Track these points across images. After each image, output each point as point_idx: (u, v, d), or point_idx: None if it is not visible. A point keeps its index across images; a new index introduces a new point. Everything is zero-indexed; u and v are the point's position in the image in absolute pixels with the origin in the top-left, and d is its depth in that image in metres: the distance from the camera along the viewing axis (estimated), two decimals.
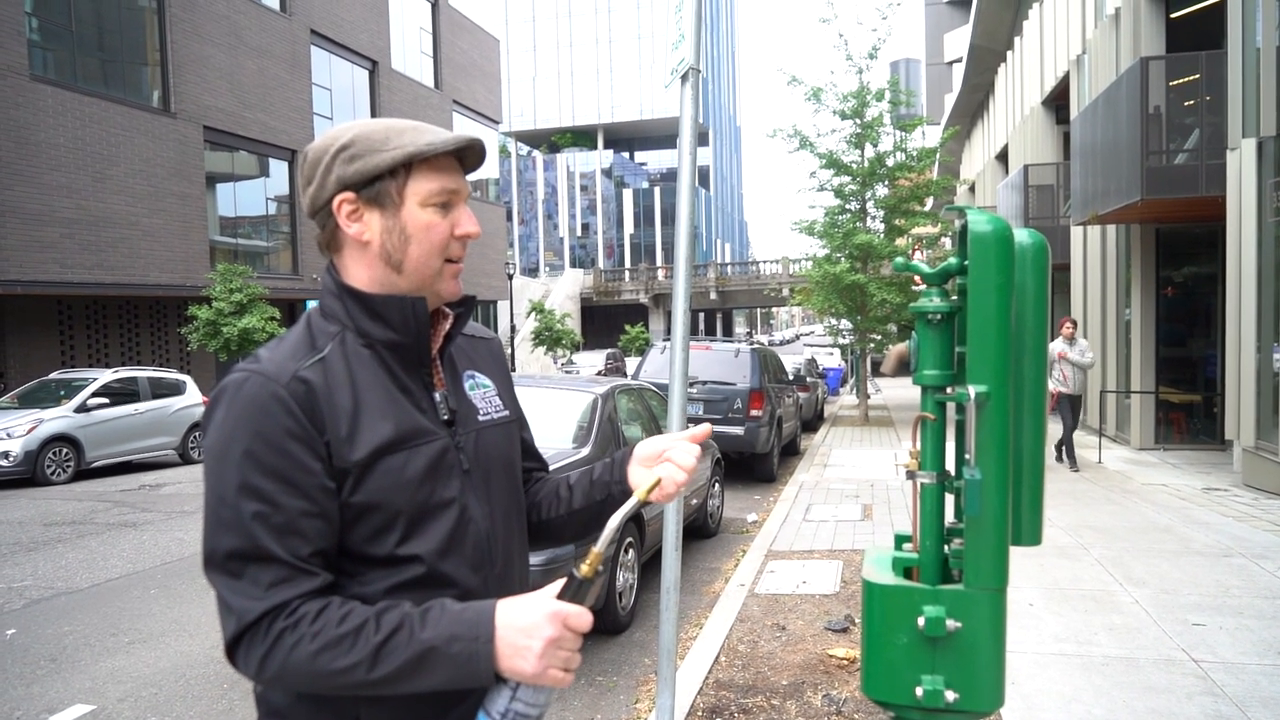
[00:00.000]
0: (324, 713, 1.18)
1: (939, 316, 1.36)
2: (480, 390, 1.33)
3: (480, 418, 1.30)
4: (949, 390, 1.35)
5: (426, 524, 1.18)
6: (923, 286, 1.40)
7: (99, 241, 16.73)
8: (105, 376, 12.53)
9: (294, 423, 1.11)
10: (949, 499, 1.42)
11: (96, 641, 5.08)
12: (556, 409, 5.87)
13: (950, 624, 1.27)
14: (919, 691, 1.28)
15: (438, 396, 1.25)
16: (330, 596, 1.11)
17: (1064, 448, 10.73)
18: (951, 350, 1.38)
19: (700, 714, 3.91)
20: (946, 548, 1.38)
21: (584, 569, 1.10)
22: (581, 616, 1.08)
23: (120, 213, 17.19)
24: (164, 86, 18.52)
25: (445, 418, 1.25)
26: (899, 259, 1.46)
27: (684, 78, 3.00)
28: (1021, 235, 1.39)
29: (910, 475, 1.38)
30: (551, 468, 4.86)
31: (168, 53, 18.38)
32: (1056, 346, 10.41)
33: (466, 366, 1.34)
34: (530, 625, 1.06)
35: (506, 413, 1.37)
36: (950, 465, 1.42)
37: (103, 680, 4.50)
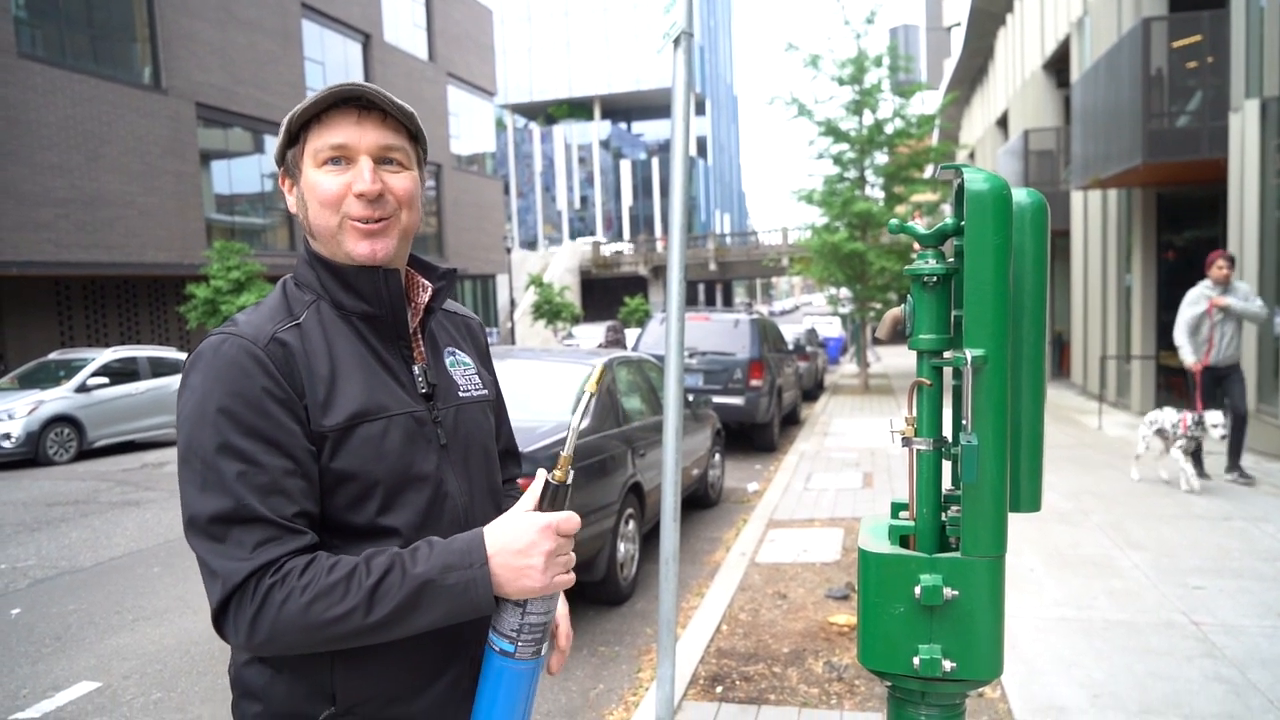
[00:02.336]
0: (300, 687, 1.16)
1: (935, 279, 1.32)
2: (461, 368, 1.32)
3: (460, 394, 1.29)
4: (945, 355, 1.32)
5: (404, 496, 1.16)
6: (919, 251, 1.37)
7: (94, 221, 16.64)
8: (105, 356, 12.51)
9: (273, 383, 1.10)
10: (946, 466, 1.40)
11: (101, 619, 5.11)
12: (555, 381, 5.86)
13: (947, 592, 1.25)
14: (916, 661, 1.26)
15: (416, 370, 1.24)
16: (316, 553, 1.09)
17: (1232, 449, 7.48)
18: (948, 314, 1.35)
19: (702, 682, 3.93)
20: (944, 515, 1.36)
21: (557, 474, 1.11)
22: (569, 521, 1.10)
23: (115, 192, 17.08)
24: (154, 63, 18.32)
25: (424, 391, 1.23)
26: (894, 221, 1.43)
27: (676, 42, 2.94)
28: (1020, 195, 1.36)
29: (906, 442, 1.36)
30: (552, 439, 4.77)
31: (157, 28, 18.16)
32: (1201, 294, 7.26)
33: (448, 343, 1.33)
34: (526, 545, 1.07)
35: (485, 392, 1.35)
36: (948, 431, 1.39)
37: (108, 657, 4.53)
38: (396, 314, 1.21)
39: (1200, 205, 11.99)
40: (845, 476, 8.44)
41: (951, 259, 1.39)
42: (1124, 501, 6.98)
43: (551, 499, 1.12)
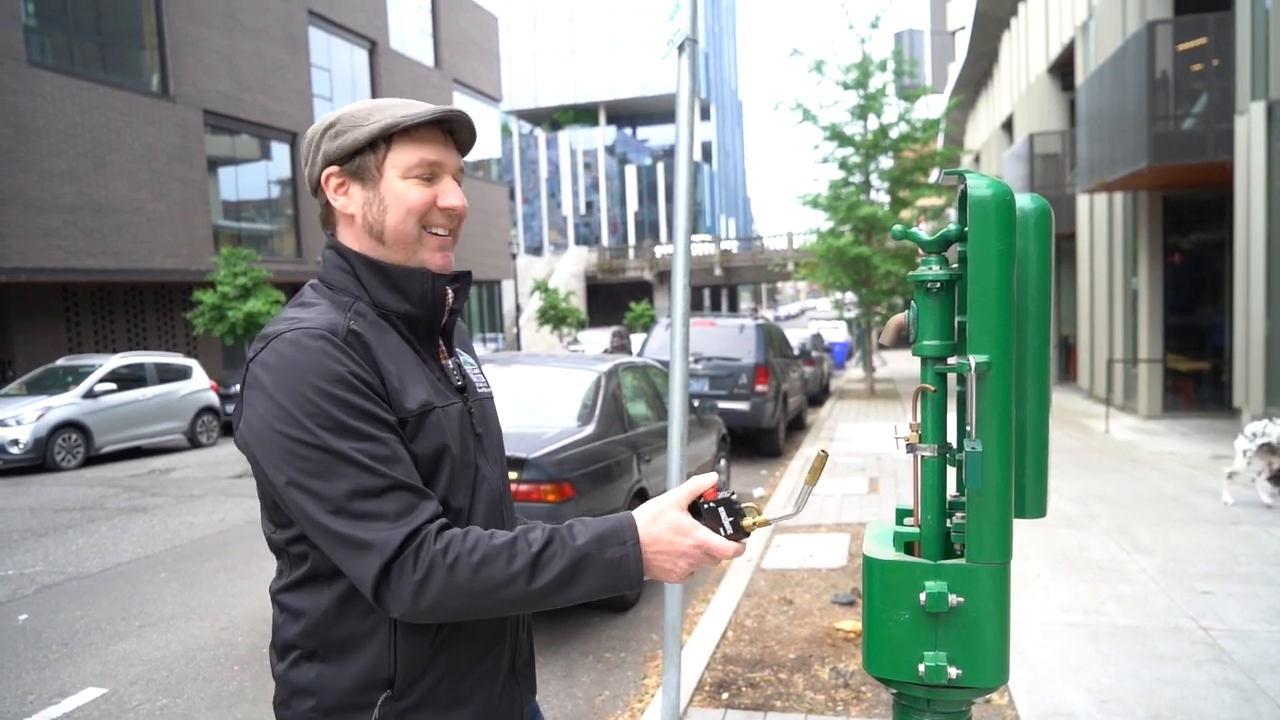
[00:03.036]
0: (355, 677, 1.18)
1: (938, 285, 1.31)
2: (470, 367, 1.39)
3: (479, 390, 1.37)
4: (950, 361, 1.32)
5: (460, 480, 1.23)
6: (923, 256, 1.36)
7: (102, 228, 16.70)
8: (112, 362, 12.57)
9: (361, 369, 1.14)
10: (951, 472, 1.40)
11: (108, 625, 5.12)
12: (560, 387, 5.86)
13: (953, 599, 1.24)
14: (921, 668, 1.26)
15: (450, 365, 1.32)
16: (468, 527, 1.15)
17: None
18: (952, 320, 1.35)
19: (708, 689, 3.92)
20: (949, 521, 1.35)
21: (746, 524, 1.18)
22: (723, 550, 1.15)
23: (123, 198, 17.15)
24: (162, 70, 18.40)
25: (458, 384, 1.31)
26: (897, 226, 1.43)
27: (680, 48, 2.95)
28: (1024, 200, 1.35)
29: (911, 448, 1.36)
30: (556, 445, 4.78)
31: (165, 36, 18.24)
32: None
33: (458, 344, 1.40)
34: (678, 551, 1.14)
35: (490, 390, 1.43)
36: (952, 438, 1.39)
37: (114, 663, 4.54)
38: (435, 315, 1.27)
39: (1207, 208, 11.96)
40: (851, 482, 8.42)
41: (955, 265, 1.39)
42: (1131, 506, 6.95)
43: (715, 526, 1.17)
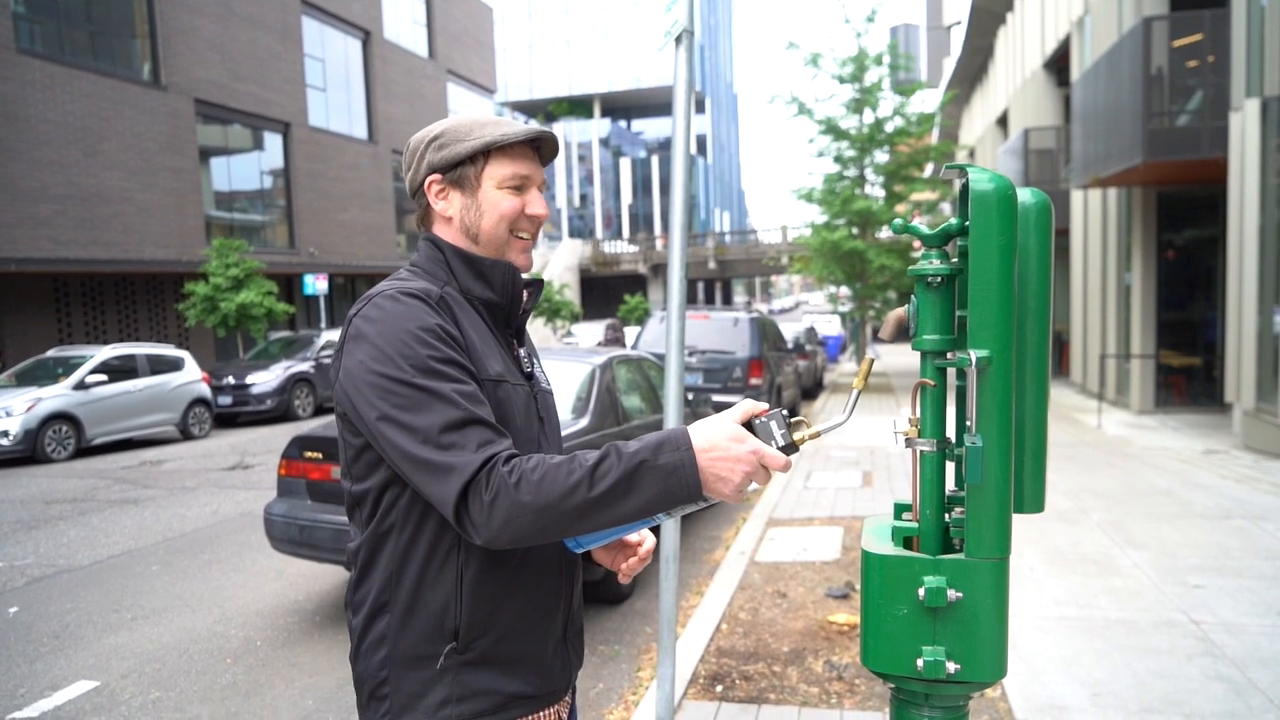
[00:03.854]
0: (425, 628, 1.29)
1: (939, 279, 1.32)
2: (536, 365, 1.50)
3: (543, 384, 1.50)
4: (949, 355, 1.31)
5: (522, 451, 1.30)
6: (922, 251, 1.36)
7: (93, 218, 16.60)
8: (103, 353, 12.47)
9: (451, 325, 1.28)
10: (950, 466, 1.39)
11: (99, 618, 5.10)
12: (555, 379, 5.82)
13: (951, 594, 1.26)
14: (920, 663, 1.26)
15: (521, 353, 1.45)
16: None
17: None
18: (952, 314, 1.34)
19: (702, 681, 3.92)
20: (947, 516, 1.35)
21: (796, 437, 1.22)
22: (776, 459, 1.19)
23: (113, 188, 17.04)
24: (153, 59, 18.27)
25: (527, 371, 1.44)
26: (897, 220, 1.42)
27: (678, 40, 2.93)
28: (1024, 194, 1.34)
29: (909, 443, 1.35)
30: None
31: (156, 24, 18.11)
32: None
33: (526, 346, 1.51)
34: (733, 457, 1.17)
35: (551, 389, 1.56)
36: (950, 432, 1.38)
37: (106, 657, 4.52)
38: (513, 304, 1.42)
39: (1200, 204, 11.99)
40: (845, 475, 8.43)
41: (955, 259, 1.38)
42: (1124, 500, 6.97)
43: (767, 439, 1.20)
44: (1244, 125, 9.09)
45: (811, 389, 17.27)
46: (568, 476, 1.15)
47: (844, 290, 18.52)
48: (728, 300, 62.85)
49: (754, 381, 10.58)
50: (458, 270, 1.38)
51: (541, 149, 1.43)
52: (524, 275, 1.46)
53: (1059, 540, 5.85)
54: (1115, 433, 10.62)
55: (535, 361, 1.50)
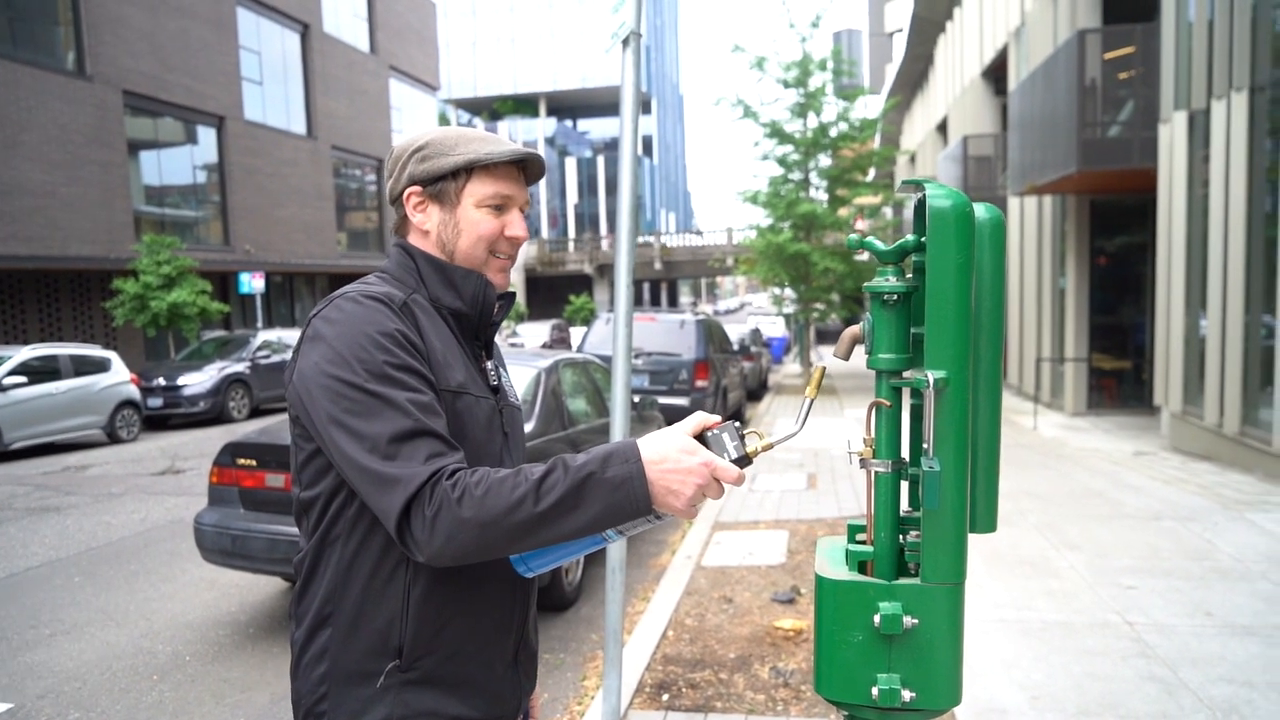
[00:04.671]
0: (367, 644, 1.25)
1: (895, 297, 1.29)
2: (505, 379, 1.47)
3: (510, 398, 1.46)
4: (905, 375, 1.29)
5: (480, 466, 1.25)
6: (866, 257, 1.33)
7: (12, 211, 15.81)
8: (22, 354, 11.85)
9: (411, 332, 1.24)
10: (904, 486, 1.36)
11: (14, 635, 4.83)
12: None
13: (907, 621, 1.23)
14: (875, 691, 1.23)
15: (489, 366, 1.41)
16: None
17: None
18: (908, 332, 1.32)
19: (649, 690, 3.87)
20: (902, 539, 1.32)
21: (750, 449, 1.19)
22: (729, 472, 1.16)
23: (34, 181, 16.25)
24: (78, 48, 17.52)
25: (494, 385, 1.40)
26: (853, 236, 1.40)
27: (625, 42, 2.88)
28: (978, 210, 1.31)
29: (864, 464, 1.32)
30: None
31: (81, 12, 17.36)
32: None
33: (496, 359, 1.48)
34: (684, 469, 1.14)
35: (519, 403, 1.52)
36: (906, 451, 1.35)
37: (20, 676, 4.28)
38: (484, 316, 1.38)
39: (1131, 213, 12.38)
40: (790, 478, 8.48)
41: (910, 276, 1.35)
42: (1060, 502, 7.14)
43: (721, 452, 1.17)
44: (1172, 137, 9.40)
45: (756, 390, 17.38)
46: (512, 491, 1.11)
47: (789, 292, 18.69)
48: (673, 302, 63.08)
49: (700, 384, 10.59)
50: (428, 278, 1.36)
51: (527, 169, 1.41)
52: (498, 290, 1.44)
53: (998, 542, 5.95)
54: (1050, 434, 10.90)
55: (503, 375, 1.47)
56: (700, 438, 1.18)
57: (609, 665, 3.19)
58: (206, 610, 5.22)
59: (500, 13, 70.10)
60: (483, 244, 1.36)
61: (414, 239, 1.39)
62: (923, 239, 1.24)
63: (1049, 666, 3.94)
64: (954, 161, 17.05)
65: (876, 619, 1.22)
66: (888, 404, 1.29)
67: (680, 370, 10.61)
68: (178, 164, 21.00)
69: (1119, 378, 12.98)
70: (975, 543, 5.90)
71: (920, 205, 1.25)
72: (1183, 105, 9.21)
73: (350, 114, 25.97)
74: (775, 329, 28.88)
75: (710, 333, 11.53)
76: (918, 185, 1.28)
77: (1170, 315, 9.57)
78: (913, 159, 26.96)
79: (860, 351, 1.33)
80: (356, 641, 1.25)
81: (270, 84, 23.23)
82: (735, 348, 14.32)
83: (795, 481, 8.31)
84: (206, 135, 21.23)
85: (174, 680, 4.23)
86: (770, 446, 1.22)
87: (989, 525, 1.37)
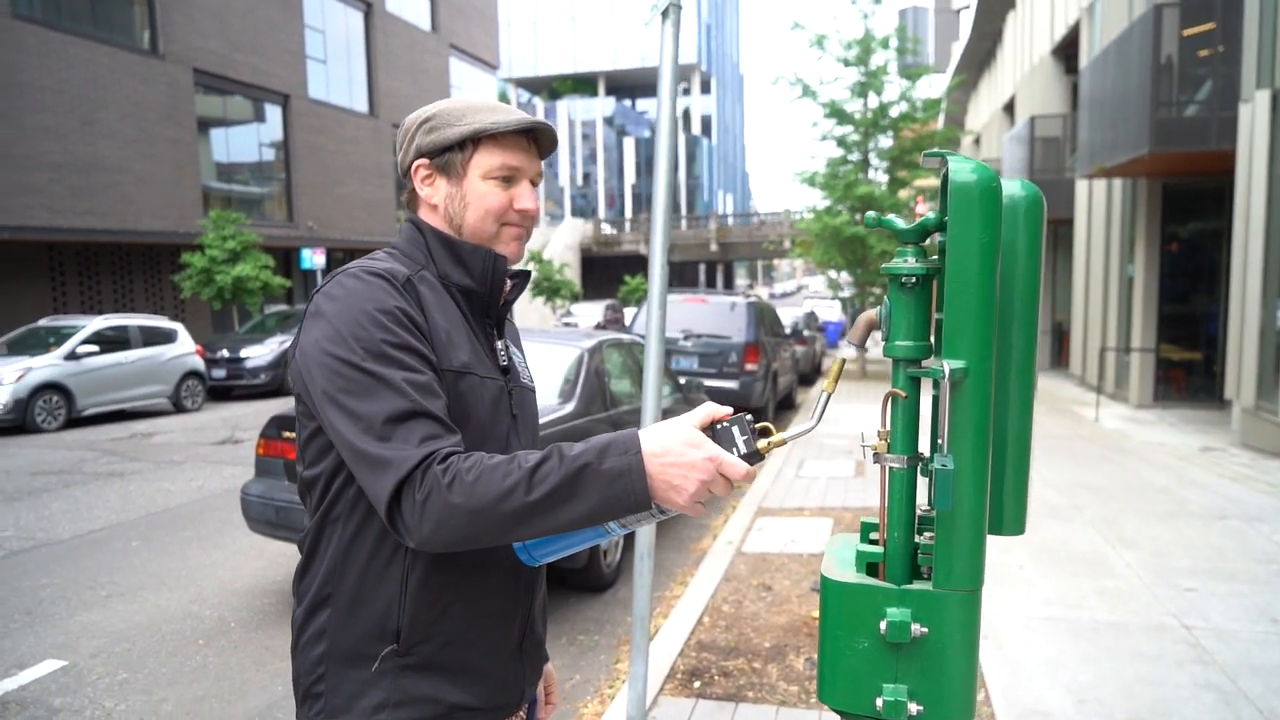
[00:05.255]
0: (365, 626, 1.23)
1: (914, 280, 1.20)
2: (517, 358, 1.44)
3: (523, 379, 1.42)
4: (925, 364, 1.21)
5: (484, 449, 1.24)
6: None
7: (89, 186, 16.42)
8: (95, 324, 12.34)
9: (413, 309, 1.21)
10: (923, 483, 1.28)
11: (73, 595, 5.02)
12: (542, 362, 5.72)
13: (916, 629, 1.15)
14: (879, 702, 1.16)
15: (499, 345, 1.38)
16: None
17: None
18: (928, 317, 1.23)
19: (680, 676, 3.84)
20: (918, 538, 1.25)
21: (760, 445, 1.13)
22: (735, 467, 1.10)
23: (110, 157, 16.85)
24: (152, 27, 18.01)
25: (503, 365, 1.37)
26: (870, 214, 1.32)
27: (664, 14, 2.80)
28: (1013, 187, 1.21)
29: (877, 458, 1.24)
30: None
31: None
32: None
33: (509, 336, 1.46)
34: (686, 463, 1.09)
35: (533, 385, 1.48)
36: (925, 445, 1.27)
37: (76, 635, 4.44)
38: (493, 293, 1.34)
39: (1206, 197, 11.82)
40: (837, 464, 8.34)
41: (935, 257, 1.26)
42: (1118, 497, 6.88)
43: (729, 443, 1.12)
44: (1253, 117, 8.92)
45: (809, 374, 17.16)
46: (504, 479, 1.07)
47: (845, 276, 18.37)
48: (729, 284, 62.58)
49: (749, 367, 10.48)
50: (437, 254, 1.32)
51: (538, 140, 1.36)
52: (513, 265, 1.39)
53: (1050, 536, 5.77)
54: (1112, 426, 10.52)
55: (517, 355, 1.44)
56: (710, 430, 1.13)
57: (635, 653, 3.15)
58: (253, 578, 5.35)
59: None
60: (490, 217, 1.32)
61: (423, 213, 1.36)
62: (945, 216, 1.15)
63: (1099, 669, 3.80)
64: (1020, 143, 16.49)
65: (883, 625, 1.15)
66: (904, 395, 1.20)
67: (730, 353, 10.50)
68: (244, 141, 21.51)
69: (1188, 369, 12.45)
70: (1026, 536, 5.71)
71: (944, 180, 1.16)
72: (1266, 84, 8.73)
73: (411, 92, 26.23)
74: (831, 313, 28.48)
75: (761, 315, 11.38)
76: (942, 158, 1.18)
77: (1245, 305, 9.12)
78: (977, 140, 26.19)
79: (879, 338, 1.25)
80: (354, 624, 1.23)
81: (334, 63, 23.59)
82: (788, 331, 14.13)
83: (842, 468, 8.17)
84: (273, 113, 21.68)
85: (218, 645, 4.34)
86: (783, 442, 1.16)
87: (1016, 527, 1.28)
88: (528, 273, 1.43)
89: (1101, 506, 6.57)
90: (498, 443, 1.29)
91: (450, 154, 1.31)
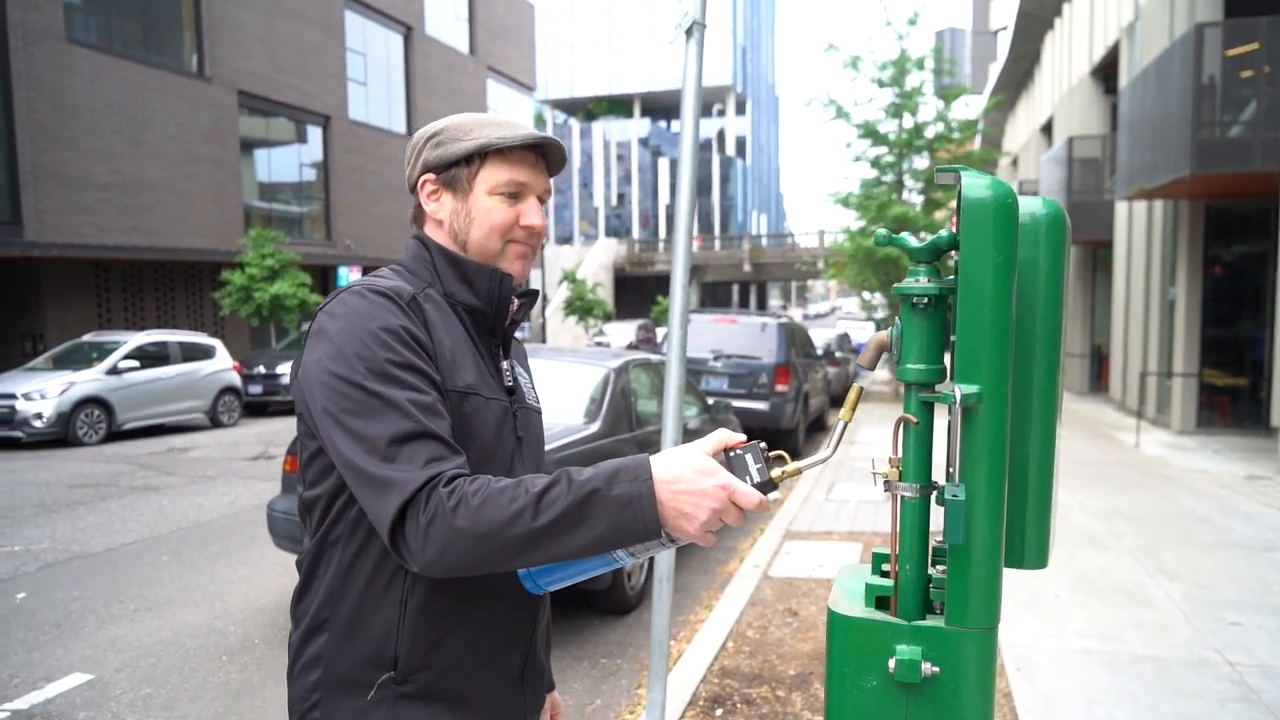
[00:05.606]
0: (362, 652, 1.20)
1: (926, 300, 1.16)
2: (523, 379, 1.42)
3: (528, 400, 1.40)
4: (938, 389, 1.17)
5: (488, 471, 1.21)
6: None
7: (135, 205, 16.83)
8: (136, 339, 12.62)
9: (418, 330, 1.19)
10: (938, 513, 1.23)
11: (102, 608, 5.08)
12: (567, 382, 5.72)
13: (926, 668, 1.10)
14: None
15: (505, 365, 1.36)
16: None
17: None
18: (942, 340, 1.20)
19: (702, 703, 3.78)
20: (933, 569, 1.20)
21: (775, 473, 1.10)
22: (748, 496, 1.07)
23: (156, 177, 17.27)
24: (199, 51, 18.49)
25: (509, 385, 1.35)
26: (880, 231, 1.29)
27: (688, 32, 2.79)
28: (1034, 204, 1.18)
29: (888, 486, 1.20)
30: (558, 443, 4.64)
31: (203, 16, 18.33)
32: None
33: (515, 357, 1.44)
34: (698, 491, 1.06)
35: (539, 406, 1.46)
36: (940, 474, 1.22)
37: (103, 649, 4.48)
38: (499, 312, 1.33)
39: (1251, 219, 11.54)
40: (868, 488, 8.22)
41: (952, 277, 1.22)
42: (1159, 525, 6.69)
43: (742, 471, 1.10)
44: None
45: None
46: (510, 503, 1.05)
47: (878, 297, 18.21)
48: (762, 304, 62.38)
49: (780, 388, 10.39)
50: (443, 272, 1.31)
51: (547, 156, 1.35)
52: (519, 285, 1.38)
53: (1087, 565, 5.61)
54: (1153, 453, 10.25)
55: (523, 375, 1.42)
56: (724, 458, 1.11)
57: (653, 679, 3.10)
58: (279, 595, 5.37)
59: (598, 13, 70.83)
60: (496, 234, 1.30)
61: (430, 230, 1.35)
62: (959, 235, 1.12)
63: (1137, 705, 3.66)
64: (1058, 164, 16.26)
65: (892, 664, 1.10)
66: (915, 420, 1.17)
67: (760, 374, 10.42)
68: (286, 161, 21.95)
69: (1233, 395, 12.11)
70: (1063, 564, 5.57)
71: (959, 197, 1.13)
72: None
73: (448, 113, 26.06)
74: (864, 334, 28.22)
75: (792, 336, 11.30)
76: (955, 174, 1.15)
77: None
78: (1015, 161, 25.90)
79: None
80: (351, 650, 1.20)
81: (374, 84, 24.02)
82: (820, 352, 14.01)
83: (874, 492, 8.04)
84: (314, 134, 22.11)
85: (241, 662, 4.35)
86: (798, 471, 1.13)
87: (1038, 561, 1.23)
88: (535, 292, 1.42)
89: (1141, 535, 6.39)
90: (502, 465, 1.26)
91: (457, 169, 1.30)
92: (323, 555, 1.23)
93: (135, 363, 12.29)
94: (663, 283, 47.96)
